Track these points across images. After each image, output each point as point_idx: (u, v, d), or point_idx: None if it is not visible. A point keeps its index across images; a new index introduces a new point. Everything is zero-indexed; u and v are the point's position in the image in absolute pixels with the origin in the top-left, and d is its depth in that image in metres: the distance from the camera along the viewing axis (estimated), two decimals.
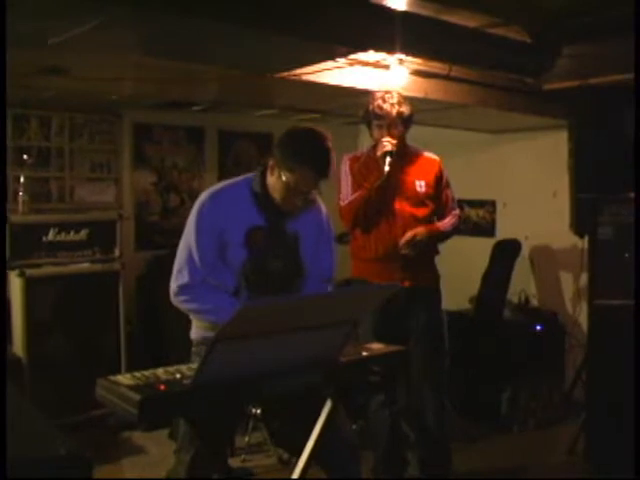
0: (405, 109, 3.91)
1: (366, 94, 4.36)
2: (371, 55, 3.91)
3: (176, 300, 2.88)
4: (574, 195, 4.73)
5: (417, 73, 4.31)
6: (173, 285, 2.87)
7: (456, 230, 4.13)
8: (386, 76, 4.17)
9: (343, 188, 3.97)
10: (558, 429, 5.15)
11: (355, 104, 5.23)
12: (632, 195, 4.08)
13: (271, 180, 2.86)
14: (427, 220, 3.98)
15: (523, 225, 6.09)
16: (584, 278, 5.17)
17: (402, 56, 3.89)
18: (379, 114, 3.88)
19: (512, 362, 5.41)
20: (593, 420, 4.45)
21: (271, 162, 2.85)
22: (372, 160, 3.96)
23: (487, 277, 5.61)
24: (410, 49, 3.66)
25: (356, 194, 3.90)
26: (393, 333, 3.69)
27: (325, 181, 2.83)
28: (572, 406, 5.24)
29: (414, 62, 4.07)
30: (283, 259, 2.94)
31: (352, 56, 3.88)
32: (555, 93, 4.63)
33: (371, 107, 3.91)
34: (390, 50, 3.68)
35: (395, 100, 3.88)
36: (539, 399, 5.43)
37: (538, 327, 5.67)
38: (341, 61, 3.94)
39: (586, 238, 4.69)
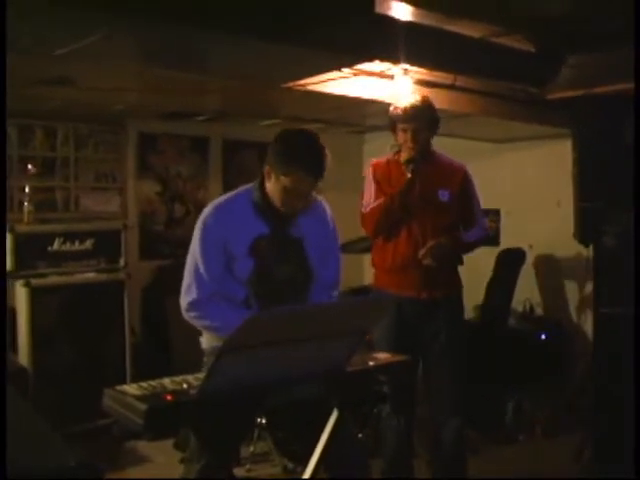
0: (431, 114, 3.81)
1: (371, 104, 4.38)
2: (376, 65, 3.90)
3: (187, 316, 2.90)
4: (578, 204, 4.72)
5: (421, 83, 4.30)
6: (183, 302, 2.88)
7: (482, 242, 4.03)
8: (391, 86, 4.17)
9: (366, 194, 3.86)
10: (564, 438, 5.12)
11: (360, 114, 5.26)
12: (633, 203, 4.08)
13: (269, 186, 2.87)
14: (450, 230, 3.84)
15: (527, 234, 6.09)
16: (589, 287, 5.17)
17: (407, 66, 3.89)
18: (404, 118, 3.75)
19: (517, 371, 5.39)
20: (599, 429, 4.44)
21: (266, 168, 2.86)
22: (396, 166, 3.86)
23: (491, 286, 5.61)
24: (415, 59, 3.67)
25: (378, 201, 3.78)
26: (407, 345, 3.64)
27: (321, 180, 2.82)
28: (578, 415, 5.23)
29: (418, 72, 4.08)
30: (290, 265, 2.95)
31: (357, 66, 3.89)
32: (559, 102, 4.63)
33: (396, 110, 3.79)
34: (395, 60, 3.68)
35: (421, 104, 3.78)
36: (544, 408, 5.41)
37: (543, 336, 5.66)
38: (346, 71, 3.94)
39: (590, 247, 4.69)
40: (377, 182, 3.87)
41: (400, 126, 3.80)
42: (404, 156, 3.82)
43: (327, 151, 2.81)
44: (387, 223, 3.80)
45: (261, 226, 2.90)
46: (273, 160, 2.82)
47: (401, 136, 3.81)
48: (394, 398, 3.71)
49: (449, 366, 3.87)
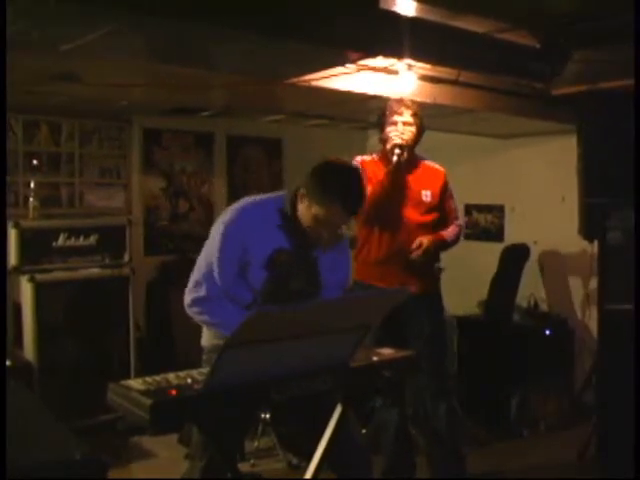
0: (422, 121, 3.96)
1: (375, 99, 4.37)
2: (380, 61, 3.90)
3: (189, 311, 2.88)
4: (583, 200, 4.72)
5: (426, 78, 4.30)
6: (188, 297, 2.86)
7: (458, 240, 4.19)
8: (395, 81, 4.17)
9: None
10: (568, 433, 5.13)
11: (364, 109, 5.25)
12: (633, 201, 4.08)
13: (301, 208, 2.82)
14: (430, 228, 4.00)
15: (532, 230, 6.08)
16: (593, 283, 5.16)
17: (411, 62, 3.89)
18: (396, 109, 3.91)
19: (521, 367, 5.40)
20: (603, 424, 4.44)
21: (302, 191, 2.80)
22: (382, 158, 4.00)
23: (496, 282, 5.61)
24: (419, 55, 3.67)
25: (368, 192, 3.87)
26: (394, 338, 3.70)
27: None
28: (582, 410, 5.24)
29: (423, 67, 4.07)
30: (303, 279, 2.93)
31: (361, 62, 3.89)
32: (564, 98, 4.62)
33: (388, 104, 3.96)
34: (399, 56, 3.68)
35: (411, 103, 3.95)
36: (549, 403, 5.42)
37: (547, 331, 5.67)
38: (350, 67, 3.94)
39: (595, 243, 4.69)
40: (367, 178, 3.88)
41: (390, 119, 3.93)
42: (390, 144, 3.91)
43: (364, 185, 2.82)
44: (376, 211, 3.86)
45: (283, 240, 2.86)
46: (310, 187, 2.77)
47: (390, 128, 3.94)
48: (389, 391, 3.83)
49: (432, 360, 3.95)
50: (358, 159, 4.02)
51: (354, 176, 2.79)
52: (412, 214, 3.95)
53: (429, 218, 4.00)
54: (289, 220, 2.86)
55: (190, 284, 2.88)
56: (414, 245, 3.88)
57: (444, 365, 4.14)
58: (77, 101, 5.03)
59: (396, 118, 3.91)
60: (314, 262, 2.96)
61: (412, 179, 3.98)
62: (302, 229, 2.84)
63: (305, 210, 2.80)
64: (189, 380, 2.26)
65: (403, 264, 3.90)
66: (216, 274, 2.81)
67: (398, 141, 3.88)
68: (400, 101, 3.95)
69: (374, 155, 4.10)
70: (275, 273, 2.85)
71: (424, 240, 3.88)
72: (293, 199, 2.86)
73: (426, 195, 4.00)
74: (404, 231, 3.92)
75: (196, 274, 2.87)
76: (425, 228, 3.97)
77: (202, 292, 2.83)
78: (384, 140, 3.98)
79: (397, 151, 3.85)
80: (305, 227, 2.83)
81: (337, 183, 2.73)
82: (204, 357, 2.99)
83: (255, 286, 2.86)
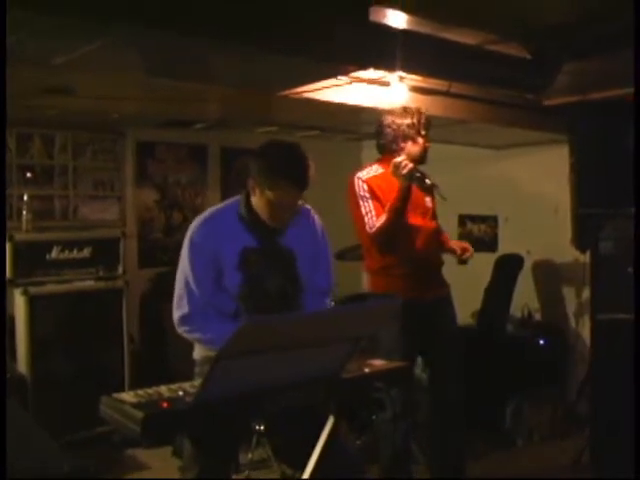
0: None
1: (367, 111, 4.39)
2: (371, 73, 3.92)
3: (179, 330, 2.92)
4: (575, 210, 4.74)
5: (417, 90, 4.32)
6: (175, 315, 2.90)
7: None
8: (387, 93, 4.19)
9: (366, 212, 3.80)
10: (562, 443, 5.12)
11: (357, 121, 5.27)
12: (633, 210, 4.08)
13: (254, 200, 2.86)
14: (438, 234, 4.04)
15: (525, 240, 6.10)
16: (586, 292, 5.18)
17: (402, 73, 3.90)
18: (418, 123, 3.87)
19: (515, 376, 5.40)
20: (597, 434, 4.44)
21: (250, 182, 2.85)
22: (390, 174, 3.77)
23: (489, 292, 5.62)
24: (410, 67, 3.68)
25: (382, 219, 3.72)
26: (416, 349, 3.81)
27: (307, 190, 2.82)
28: (576, 420, 5.24)
29: (414, 79, 4.09)
30: (281, 278, 2.94)
31: (352, 74, 3.90)
32: (556, 108, 4.65)
33: (414, 119, 3.87)
34: (390, 68, 3.69)
35: (415, 110, 3.92)
36: (543, 413, 5.42)
37: (541, 341, 5.68)
38: (342, 79, 3.96)
39: (588, 253, 4.70)
40: (377, 198, 3.82)
41: (417, 138, 3.89)
42: (407, 169, 3.67)
43: (310, 161, 2.79)
44: (388, 226, 3.73)
45: (249, 239, 2.89)
46: (257, 175, 2.81)
47: (413, 149, 3.88)
48: (394, 404, 3.80)
49: (453, 372, 4.02)
50: (361, 175, 3.90)
51: (294, 152, 2.80)
52: (422, 221, 3.94)
53: (435, 224, 4.05)
54: (249, 219, 2.89)
55: (174, 303, 2.91)
56: (459, 251, 3.97)
57: (460, 377, 4.09)
58: (70, 114, 5.04)
59: (419, 139, 3.88)
60: (291, 258, 2.96)
61: (415, 187, 3.87)
62: (263, 223, 2.87)
63: (258, 200, 2.84)
64: (181, 392, 2.26)
65: (418, 273, 3.88)
66: (194, 287, 2.84)
67: (411, 167, 3.68)
68: (419, 113, 3.88)
69: (377, 169, 3.95)
70: (248, 274, 2.86)
71: (464, 244, 4.01)
72: (247, 196, 2.89)
73: (428, 201, 4.01)
74: (418, 239, 3.90)
75: (177, 291, 2.91)
76: (435, 234, 4.00)
77: (185, 309, 2.86)
78: (399, 161, 3.68)
79: (417, 175, 3.73)
80: (264, 219, 2.86)
81: (279, 163, 2.76)
82: (196, 370, 3.00)
83: (232, 291, 2.87)
